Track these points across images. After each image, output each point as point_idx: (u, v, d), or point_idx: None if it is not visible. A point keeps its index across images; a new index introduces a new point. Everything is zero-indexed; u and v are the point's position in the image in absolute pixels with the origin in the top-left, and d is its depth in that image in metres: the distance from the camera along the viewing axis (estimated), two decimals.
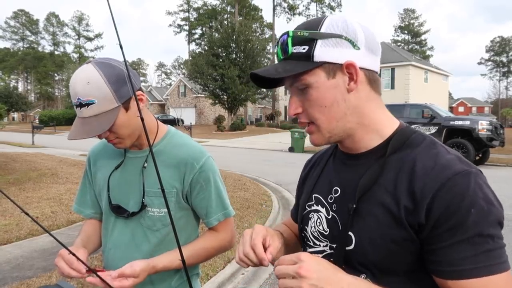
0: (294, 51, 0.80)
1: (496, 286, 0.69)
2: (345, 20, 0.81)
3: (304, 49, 0.79)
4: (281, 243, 0.89)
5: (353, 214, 0.80)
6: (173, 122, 39.25)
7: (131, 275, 1.12)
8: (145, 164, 1.29)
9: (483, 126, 12.57)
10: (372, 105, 0.84)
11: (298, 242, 1.03)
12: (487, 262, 0.69)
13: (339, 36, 0.79)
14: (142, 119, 1.08)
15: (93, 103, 1.13)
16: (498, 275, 0.69)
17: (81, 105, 1.14)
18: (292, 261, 0.68)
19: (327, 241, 0.87)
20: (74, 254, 1.11)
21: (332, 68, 0.79)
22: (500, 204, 0.73)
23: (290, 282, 0.67)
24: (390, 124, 0.85)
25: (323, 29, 0.79)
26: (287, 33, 0.81)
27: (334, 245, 0.85)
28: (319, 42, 0.78)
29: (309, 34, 0.79)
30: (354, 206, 0.80)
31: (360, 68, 0.80)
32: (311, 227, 0.91)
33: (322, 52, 0.78)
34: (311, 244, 0.92)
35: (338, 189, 0.88)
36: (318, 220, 0.90)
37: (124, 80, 1.16)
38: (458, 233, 0.69)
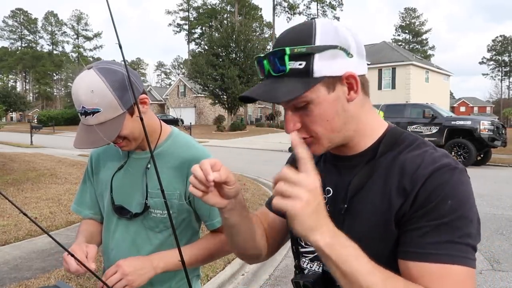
0: (291, 67, 0.76)
1: (454, 277, 0.69)
2: (335, 27, 0.79)
3: (301, 64, 0.75)
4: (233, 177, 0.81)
5: (345, 214, 0.82)
6: (175, 122, 39.07)
7: (118, 278, 1.12)
8: (148, 166, 1.29)
9: (484, 126, 12.53)
10: (365, 109, 0.84)
11: (263, 233, 0.99)
12: (449, 251, 0.69)
13: (335, 47, 0.76)
14: (141, 119, 1.07)
15: (98, 111, 1.12)
16: (458, 267, 0.69)
17: (86, 113, 1.13)
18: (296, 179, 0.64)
19: None
20: (73, 255, 1.11)
21: (332, 82, 0.77)
22: (476, 209, 0.74)
23: (291, 188, 0.63)
24: (379, 126, 0.87)
25: (318, 41, 0.76)
26: (282, 50, 0.75)
27: None
28: (317, 56, 0.75)
29: (306, 50, 0.75)
30: (346, 206, 0.82)
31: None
32: None
33: (321, 66, 0.75)
34: (303, 244, 0.92)
35: (331, 189, 0.88)
36: None
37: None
38: (430, 217, 0.71)
